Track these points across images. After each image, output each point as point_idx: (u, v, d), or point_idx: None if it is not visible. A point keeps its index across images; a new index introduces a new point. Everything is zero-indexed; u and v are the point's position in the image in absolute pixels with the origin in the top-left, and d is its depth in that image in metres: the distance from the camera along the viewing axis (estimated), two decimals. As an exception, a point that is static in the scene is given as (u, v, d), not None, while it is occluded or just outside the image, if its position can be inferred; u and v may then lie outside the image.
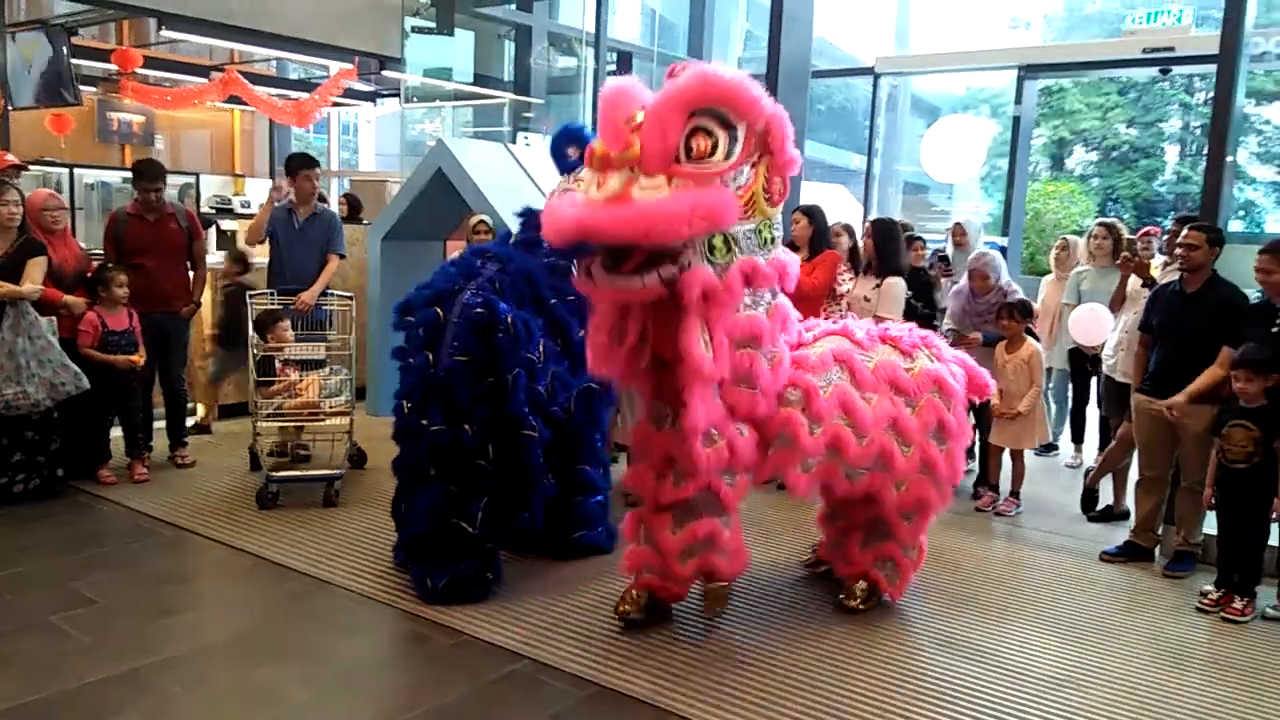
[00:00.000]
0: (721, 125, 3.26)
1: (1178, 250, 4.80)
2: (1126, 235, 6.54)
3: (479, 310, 3.96)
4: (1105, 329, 5.82)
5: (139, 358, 5.46)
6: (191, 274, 5.94)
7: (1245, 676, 3.73)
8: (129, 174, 6.52)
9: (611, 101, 3.31)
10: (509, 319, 3.96)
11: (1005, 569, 4.79)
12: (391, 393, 6.99)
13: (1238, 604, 4.27)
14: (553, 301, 4.25)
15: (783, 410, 3.68)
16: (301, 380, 5.48)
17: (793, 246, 5.72)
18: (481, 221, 6.33)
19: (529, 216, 4.54)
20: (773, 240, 3.53)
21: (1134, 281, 5.45)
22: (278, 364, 5.51)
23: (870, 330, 4.11)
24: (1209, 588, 4.41)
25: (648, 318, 3.48)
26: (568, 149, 4.20)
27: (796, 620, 4.05)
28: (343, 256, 6.25)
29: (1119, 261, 5.68)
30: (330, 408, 5.50)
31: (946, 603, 4.31)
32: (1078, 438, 6.94)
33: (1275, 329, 4.31)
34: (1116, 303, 5.68)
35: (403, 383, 4.21)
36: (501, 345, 3.95)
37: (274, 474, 5.30)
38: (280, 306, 5.70)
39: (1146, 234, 7.06)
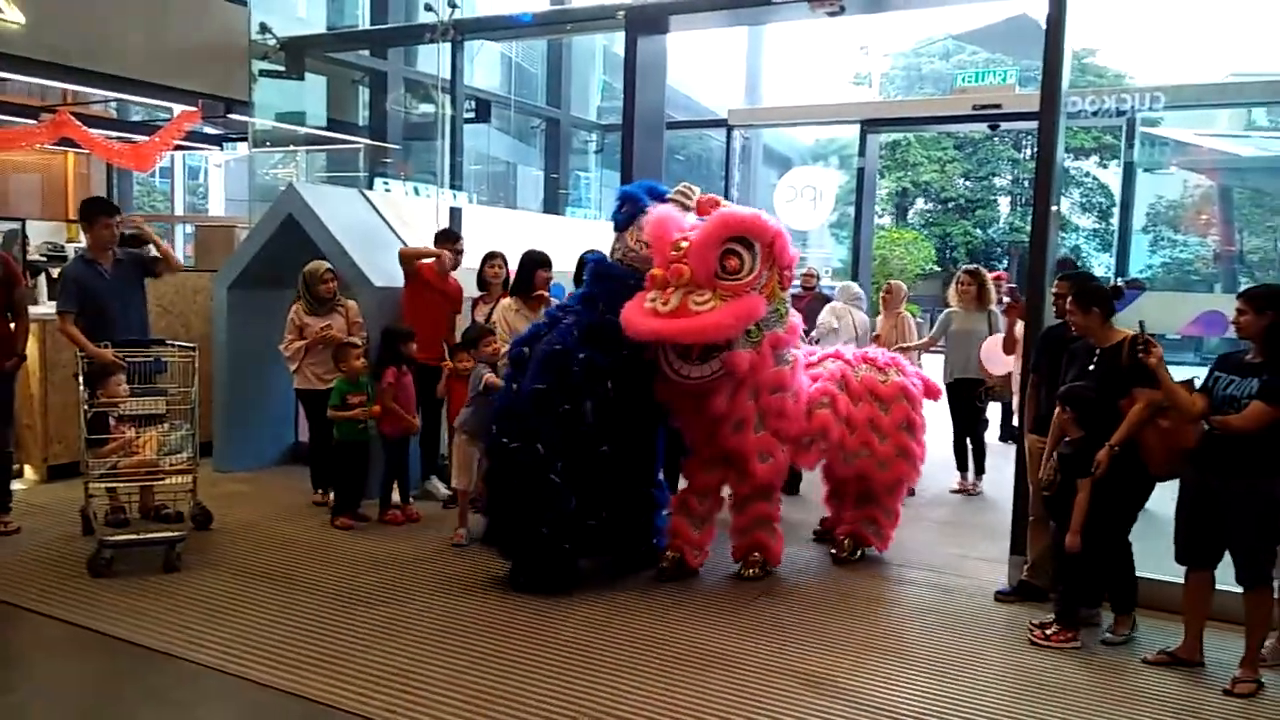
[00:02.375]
0: (744, 246, 4.61)
1: (1054, 302, 4.91)
2: (990, 284, 6.96)
3: (557, 347, 4.67)
4: (1006, 359, 6.41)
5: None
6: (14, 325, 5.52)
7: (1093, 701, 3.87)
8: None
9: (658, 233, 4.67)
10: (582, 356, 4.64)
11: (865, 604, 4.90)
12: (240, 447, 6.83)
13: (1067, 632, 4.37)
14: (624, 353, 4.73)
15: (818, 413, 5.07)
16: (139, 437, 5.15)
17: None
18: (329, 271, 6.17)
19: (591, 274, 5.05)
20: (786, 313, 4.86)
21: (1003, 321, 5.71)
22: (111, 421, 5.16)
23: (855, 353, 5.56)
24: (1049, 617, 4.48)
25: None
26: (621, 207, 5.07)
27: (667, 670, 4.03)
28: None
29: (1004, 308, 5.99)
30: (170, 465, 5.18)
31: (808, 639, 4.36)
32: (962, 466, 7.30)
33: (1092, 365, 4.43)
34: (1010, 345, 6.00)
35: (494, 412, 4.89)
36: (576, 379, 4.63)
37: (108, 538, 4.95)
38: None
39: (997, 278, 7.55)
